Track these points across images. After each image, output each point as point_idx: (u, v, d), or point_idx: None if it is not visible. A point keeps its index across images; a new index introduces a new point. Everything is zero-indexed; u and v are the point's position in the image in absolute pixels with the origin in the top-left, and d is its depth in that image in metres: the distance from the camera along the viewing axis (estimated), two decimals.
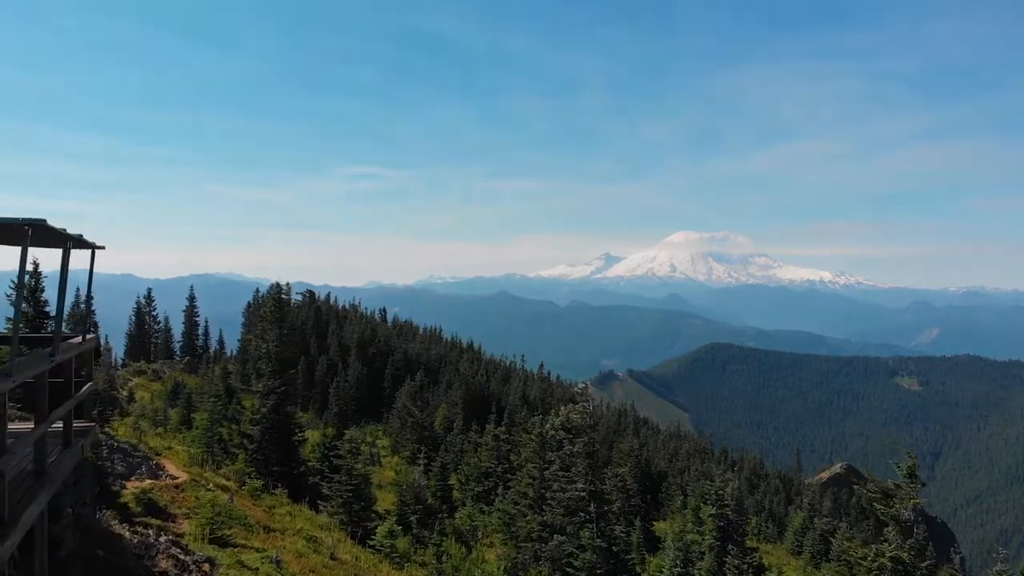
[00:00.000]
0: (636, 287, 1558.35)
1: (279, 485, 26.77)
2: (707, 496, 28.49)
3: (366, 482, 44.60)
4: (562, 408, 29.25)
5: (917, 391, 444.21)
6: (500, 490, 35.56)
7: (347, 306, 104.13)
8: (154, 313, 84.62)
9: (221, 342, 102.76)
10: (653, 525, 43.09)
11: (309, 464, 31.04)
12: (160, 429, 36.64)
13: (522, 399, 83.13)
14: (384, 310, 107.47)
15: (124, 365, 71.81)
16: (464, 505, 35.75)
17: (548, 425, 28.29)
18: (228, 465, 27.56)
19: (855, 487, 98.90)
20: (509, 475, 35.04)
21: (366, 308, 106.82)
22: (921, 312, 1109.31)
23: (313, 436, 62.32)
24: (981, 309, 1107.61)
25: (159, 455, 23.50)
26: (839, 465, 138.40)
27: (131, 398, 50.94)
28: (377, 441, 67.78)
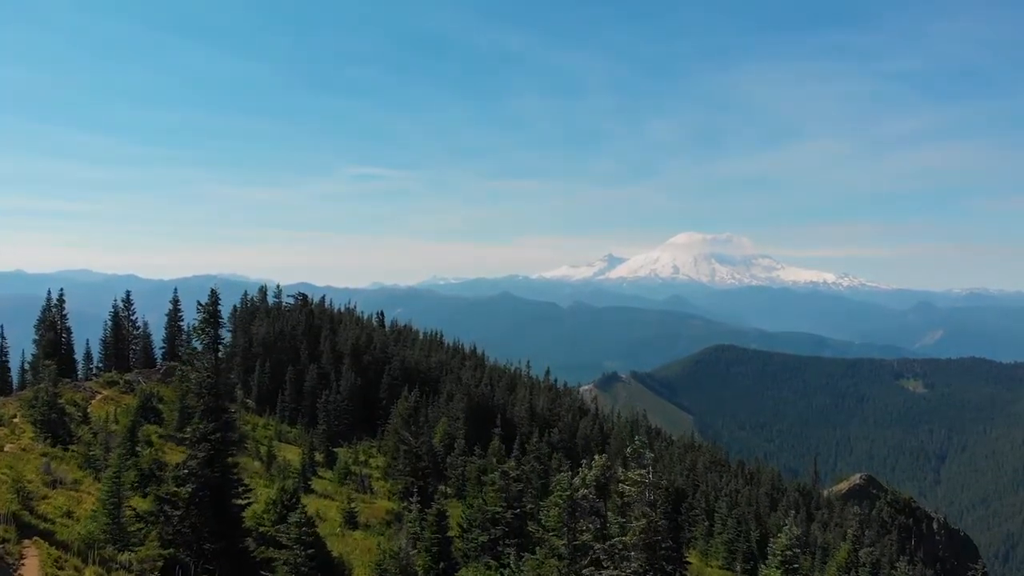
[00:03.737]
0: (639, 288, 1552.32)
1: (212, 569, 20.45)
2: (772, 557, 22.70)
3: (351, 518, 38.52)
4: (596, 458, 23.29)
5: (922, 393, 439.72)
6: (511, 542, 29.48)
7: (342, 309, 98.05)
8: (133, 317, 78.46)
9: None
10: (687, 571, 37.31)
11: (261, 529, 24.59)
12: (84, 473, 29.60)
13: (529, 411, 77.15)
14: (382, 314, 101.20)
15: (94, 375, 65.51)
16: (466, 561, 29.69)
17: (578, 479, 22.17)
18: (143, 545, 20.62)
19: (877, 501, 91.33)
20: (525, 544, 28.86)
21: (363, 312, 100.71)
22: (924, 313, 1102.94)
23: (295, 457, 56.43)
24: (985, 310, 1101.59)
25: (27, 539, 16.94)
26: (858, 476, 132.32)
27: (85, 418, 44.19)
28: (370, 460, 61.73)
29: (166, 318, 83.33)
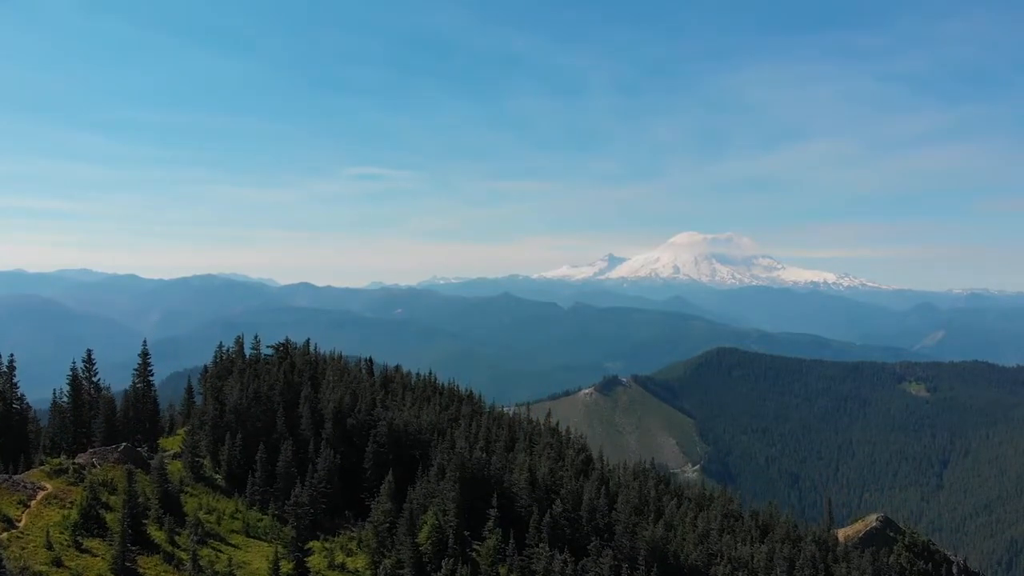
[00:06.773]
0: (640, 288, 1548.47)
1: None
2: None
3: None
4: None
5: (925, 397, 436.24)
6: None
7: (326, 355, 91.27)
8: (96, 378, 71.12)
9: (189, 391, 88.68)
10: None
11: None
12: None
13: (529, 481, 70.57)
14: (371, 360, 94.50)
15: (40, 463, 57.41)
16: None
17: None
18: None
19: (895, 546, 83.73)
20: None
21: (349, 359, 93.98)
22: (925, 314, 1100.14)
23: (262, 565, 49.93)
24: (986, 311, 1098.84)
25: None
26: (874, 517, 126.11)
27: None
28: (348, 561, 54.89)
29: (133, 373, 76.19)
